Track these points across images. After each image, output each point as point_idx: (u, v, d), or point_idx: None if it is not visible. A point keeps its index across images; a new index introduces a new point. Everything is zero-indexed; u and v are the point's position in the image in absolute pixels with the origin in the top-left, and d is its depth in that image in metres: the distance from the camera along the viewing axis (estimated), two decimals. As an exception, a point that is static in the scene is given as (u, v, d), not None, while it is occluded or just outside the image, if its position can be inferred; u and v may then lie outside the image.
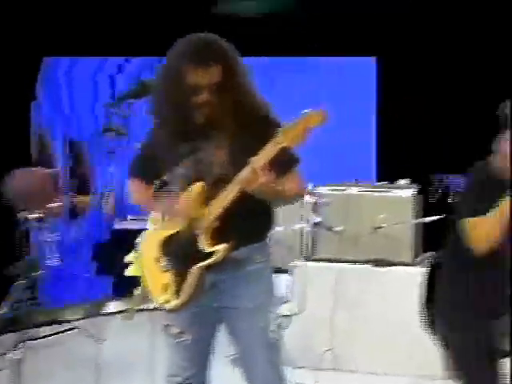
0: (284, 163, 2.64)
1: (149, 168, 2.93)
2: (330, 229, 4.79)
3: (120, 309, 6.03)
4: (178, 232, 2.75)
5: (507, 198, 2.69)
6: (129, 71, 8.85)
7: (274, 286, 2.93)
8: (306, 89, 8.10)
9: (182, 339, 2.84)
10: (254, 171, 2.47)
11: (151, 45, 7.66)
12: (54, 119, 8.30)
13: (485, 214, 2.69)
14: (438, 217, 4.65)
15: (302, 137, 2.46)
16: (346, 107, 7.94)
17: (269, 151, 2.48)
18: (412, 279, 4.20)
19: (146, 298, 2.89)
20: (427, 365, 4.22)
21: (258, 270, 2.82)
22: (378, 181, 6.22)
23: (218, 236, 2.67)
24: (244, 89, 2.80)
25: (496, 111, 6.67)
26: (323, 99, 8.26)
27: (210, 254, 2.65)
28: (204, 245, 2.67)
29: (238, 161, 2.56)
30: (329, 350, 4.57)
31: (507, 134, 2.93)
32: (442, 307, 3.00)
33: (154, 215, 2.89)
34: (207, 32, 2.81)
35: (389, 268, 4.71)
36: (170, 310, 2.77)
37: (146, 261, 2.85)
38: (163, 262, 2.77)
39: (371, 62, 7.67)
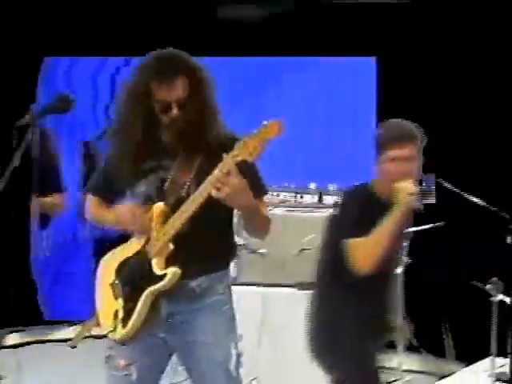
0: (257, 185, 2.61)
1: (109, 185, 2.80)
2: (254, 251, 4.60)
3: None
4: (135, 254, 2.63)
5: (386, 221, 2.80)
6: (129, 71, 9.12)
7: (236, 320, 2.79)
8: (306, 88, 7.99)
9: (127, 373, 2.65)
10: (218, 176, 2.39)
11: (151, 45, 8.04)
12: (53, 119, 8.44)
13: (365, 235, 2.78)
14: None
15: (260, 149, 2.39)
16: (346, 107, 7.85)
17: (225, 164, 2.41)
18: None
19: (98, 325, 2.74)
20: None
21: (218, 302, 2.71)
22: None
23: (173, 260, 2.55)
24: (212, 103, 2.73)
25: (498, 107, 6.59)
26: (324, 99, 8.26)
27: (160, 279, 2.52)
28: (156, 268, 2.54)
29: (202, 182, 2.49)
30: (254, 378, 4.37)
31: (385, 157, 2.97)
32: (323, 331, 3.07)
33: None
34: (207, 32, 2.88)
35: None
36: (116, 341, 2.62)
37: (102, 286, 2.73)
38: (117, 288, 2.65)
39: (371, 62, 7.61)
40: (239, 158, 2.39)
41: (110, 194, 2.81)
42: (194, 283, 2.60)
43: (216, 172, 2.40)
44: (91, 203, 2.90)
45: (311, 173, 7.20)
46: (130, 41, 7.75)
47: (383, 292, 3.11)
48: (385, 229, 2.82)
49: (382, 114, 7.34)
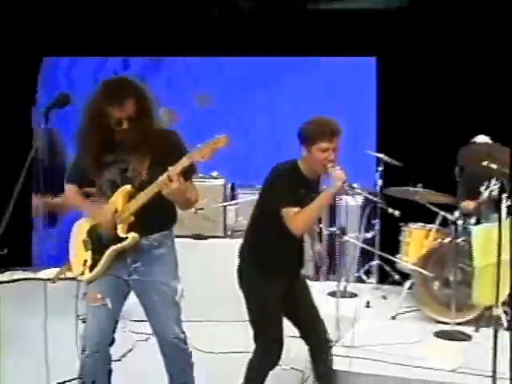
0: (187, 173, 3.35)
1: (81, 176, 3.60)
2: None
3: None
4: (103, 222, 3.46)
5: (322, 194, 3.56)
6: (129, 71, 8.59)
7: (177, 265, 3.62)
8: (307, 88, 7.83)
9: (102, 303, 3.45)
10: (170, 177, 3.22)
11: (151, 45, 7.61)
12: (53, 119, 8.41)
13: (294, 202, 3.48)
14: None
15: (210, 154, 3.20)
16: (346, 105, 7.95)
17: (183, 163, 3.24)
18: (224, 247, 5.80)
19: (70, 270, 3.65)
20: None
21: (167, 252, 3.58)
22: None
23: (132, 226, 3.42)
24: (153, 114, 3.45)
25: (496, 109, 6.61)
26: (325, 98, 8.23)
27: (124, 240, 3.41)
28: (120, 231, 3.41)
29: (155, 171, 3.33)
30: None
31: (318, 147, 3.58)
32: (247, 267, 3.79)
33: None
34: (206, 30, 3.12)
35: (207, 240, 6.04)
36: (84, 281, 3.50)
37: (76, 242, 3.60)
38: (88, 244, 3.53)
39: (371, 62, 7.58)
40: (194, 159, 3.25)
41: (82, 182, 3.64)
42: (151, 239, 3.49)
43: (164, 176, 3.23)
44: (69, 190, 3.70)
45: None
46: (129, 41, 7.64)
47: (299, 242, 3.79)
48: (319, 202, 3.54)
49: (382, 112, 7.32)
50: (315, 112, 7.30)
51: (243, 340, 5.24)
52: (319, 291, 6.02)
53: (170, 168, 3.24)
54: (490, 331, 4.87)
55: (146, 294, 3.57)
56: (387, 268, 6.66)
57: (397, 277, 6.52)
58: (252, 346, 4.04)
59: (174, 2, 7.51)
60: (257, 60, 7.91)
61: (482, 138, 5.87)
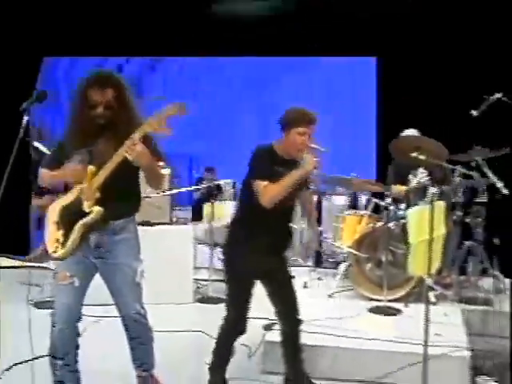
0: (154, 152, 3.68)
1: (55, 161, 3.80)
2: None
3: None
4: (72, 201, 3.68)
5: (291, 173, 3.80)
6: (129, 71, 8.83)
7: (139, 248, 3.86)
8: (308, 87, 8.08)
9: (71, 281, 3.69)
10: (134, 141, 3.49)
11: (151, 45, 7.72)
12: (53, 119, 8.19)
13: (270, 179, 3.78)
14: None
15: (163, 123, 3.54)
16: (346, 104, 7.88)
17: (144, 128, 3.53)
18: (169, 233, 6.38)
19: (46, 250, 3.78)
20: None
21: (130, 237, 3.82)
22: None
23: (97, 204, 3.62)
24: (129, 106, 3.71)
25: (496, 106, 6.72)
26: (325, 97, 8.09)
27: (87, 215, 3.60)
28: (86, 207, 3.62)
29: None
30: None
31: (296, 131, 3.90)
32: (230, 241, 4.09)
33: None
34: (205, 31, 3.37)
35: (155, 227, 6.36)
36: (58, 258, 3.68)
37: (50, 223, 3.76)
38: (59, 224, 3.69)
39: (372, 61, 7.73)
40: (152, 125, 3.53)
41: (55, 167, 3.79)
42: (114, 223, 3.71)
43: (127, 142, 3.50)
44: (43, 173, 3.86)
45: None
46: (129, 41, 7.72)
47: (282, 222, 4.07)
48: (287, 180, 3.80)
49: (382, 111, 7.46)
50: (315, 111, 7.46)
51: (188, 320, 5.65)
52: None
53: (131, 136, 3.52)
54: (417, 306, 5.43)
55: (110, 274, 3.80)
56: (323, 252, 7.13)
57: (331, 260, 6.99)
58: (195, 327, 4.74)
59: (173, 2, 7.58)
60: (257, 60, 8.01)
61: (411, 131, 6.35)
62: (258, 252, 3.94)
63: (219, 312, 4.21)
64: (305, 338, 4.60)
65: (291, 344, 4.22)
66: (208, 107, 7.36)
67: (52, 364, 3.77)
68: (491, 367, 4.54)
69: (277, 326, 4.76)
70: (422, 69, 7.00)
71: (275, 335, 4.68)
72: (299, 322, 4.18)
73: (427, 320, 3.59)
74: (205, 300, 6.50)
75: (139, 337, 3.98)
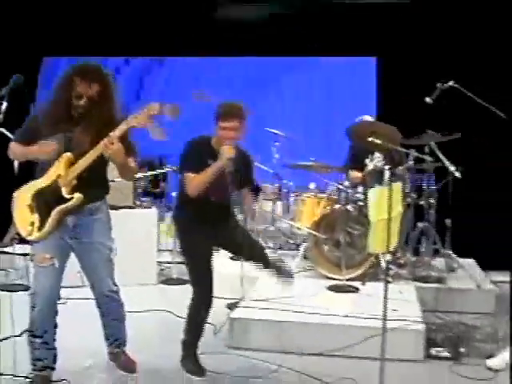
0: (129, 148, 3.84)
1: (30, 136, 3.87)
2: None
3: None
4: (48, 185, 3.80)
5: (212, 165, 4.04)
6: (129, 71, 8.84)
7: (111, 228, 4.07)
8: (308, 87, 8.05)
9: (51, 263, 3.82)
10: (111, 140, 3.66)
11: (151, 45, 7.66)
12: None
13: (199, 171, 4.04)
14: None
15: (145, 120, 3.71)
16: (346, 104, 7.83)
17: (122, 128, 3.70)
18: (133, 216, 6.49)
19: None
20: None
21: (104, 217, 4.02)
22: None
23: (75, 189, 3.79)
24: (110, 102, 3.87)
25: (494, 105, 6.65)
26: (326, 96, 8.10)
27: (69, 201, 3.77)
28: (65, 193, 3.76)
29: (97, 143, 3.71)
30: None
31: (219, 126, 4.13)
32: (178, 218, 4.44)
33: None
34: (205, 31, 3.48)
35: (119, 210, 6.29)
36: (33, 241, 3.84)
37: (19, 207, 3.91)
38: (34, 207, 3.83)
39: (372, 61, 7.72)
40: (131, 124, 3.70)
41: (28, 143, 3.86)
42: (90, 205, 3.89)
43: (105, 139, 3.66)
44: (15, 146, 3.93)
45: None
46: (130, 41, 7.66)
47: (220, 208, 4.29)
48: (208, 171, 4.05)
49: (382, 109, 7.41)
50: (315, 111, 7.53)
51: (153, 301, 5.82)
52: (222, 256, 6.67)
53: (110, 133, 3.68)
54: (374, 285, 5.68)
55: (86, 253, 3.98)
56: (283, 234, 7.35)
57: (291, 242, 7.21)
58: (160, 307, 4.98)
59: (173, 2, 7.55)
60: (258, 60, 8.05)
61: (367, 117, 6.60)
62: (201, 230, 4.22)
63: (182, 293, 4.49)
64: (267, 315, 4.84)
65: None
66: (208, 107, 7.45)
67: (30, 342, 3.91)
68: (444, 339, 4.80)
69: (241, 304, 4.98)
70: (421, 69, 7.06)
71: (239, 312, 4.89)
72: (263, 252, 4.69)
73: (386, 294, 3.81)
74: (168, 281, 6.62)
75: (112, 313, 4.17)
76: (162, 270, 6.82)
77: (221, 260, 6.00)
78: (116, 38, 7.61)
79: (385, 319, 3.81)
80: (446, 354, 4.65)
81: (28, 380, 3.96)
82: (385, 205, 3.60)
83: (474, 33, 6.91)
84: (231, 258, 6.52)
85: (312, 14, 7.44)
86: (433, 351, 4.66)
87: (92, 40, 7.52)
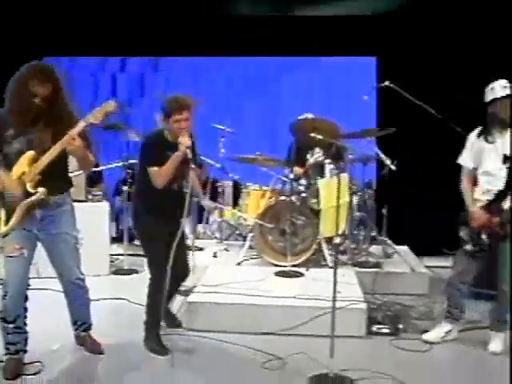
0: (87, 143, 4.14)
1: None
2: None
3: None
4: (12, 183, 4.01)
5: (173, 156, 4.39)
6: (129, 71, 8.86)
7: (75, 218, 4.34)
8: (308, 87, 8.10)
9: (21, 253, 4.07)
10: (72, 136, 3.93)
11: (151, 45, 7.78)
12: None
13: (162, 164, 4.38)
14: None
15: (101, 117, 4.01)
16: (346, 104, 7.94)
17: (81, 125, 3.97)
18: (86, 209, 6.36)
19: None
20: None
21: (68, 209, 4.27)
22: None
23: (39, 184, 4.02)
24: (64, 101, 4.13)
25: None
26: (326, 96, 8.15)
27: (33, 195, 4.00)
28: (30, 188, 4.00)
29: (56, 142, 3.99)
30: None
31: (172, 119, 4.46)
32: (137, 211, 4.74)
33: None
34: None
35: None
36: (1, 234, 4.05)
37: None
38: (0, 203, 4.05)
39: (372, 61, 7.88)
40: (89, 121, 3.97)
41: None
42: (56, 198, 4.13)
43: (67, 136, 3.94)
44: None
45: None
46: (130, 41, 7.78)
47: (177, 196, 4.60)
48: (171, 163, 4.39)
49: (382, 108, 7.65)
50: (315, 110, 7.27)
51: (106, 290, 6.02)
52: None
53: (72, 130, 3.95)
54: (317, 270, 6.09)
55: (53, 244, 4.22)
56: (229, 226, 7.67)
57: (238, 233, 7.54)
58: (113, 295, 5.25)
59: (173, 2, 7.64)
60: (258, 60, 8.12)
61: (308, 115, 6.98)
62: (161, 218, 4.55)
63: (134, 282, 5.11)
64: (222, 298, 5.18)
65: (175, 289, 4.91)
66: (208, 107, 7.58)
67: (3, 328, 4.17)
68: (384, 317, 5.23)
69: (196, 289, 5.32)
70: (421, 69, 7.22)
71: (196, 297, 5.22)
72: (188, 274, 4.99)
73: (335, 275, 4.21)
74: (119, 272, 6.86)
75: (79, 299, 4.47)
76: (111, 261, 7.03)
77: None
78: (116, 38, 7.78)
79: (334, 300, 4.24)
80: (386, 330, 5.07)
81: (2, 363, 4.19)
82: (334, 194, 3.98)
83: (474, 32, 7.13)
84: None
85: (312, 14, 7.67)
86: (374, 328, 5.08)
87: (92, 40, 7.68)
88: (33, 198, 4.02)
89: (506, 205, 4.61)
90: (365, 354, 4.72)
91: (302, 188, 6.57)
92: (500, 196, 4.62)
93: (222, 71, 8.43)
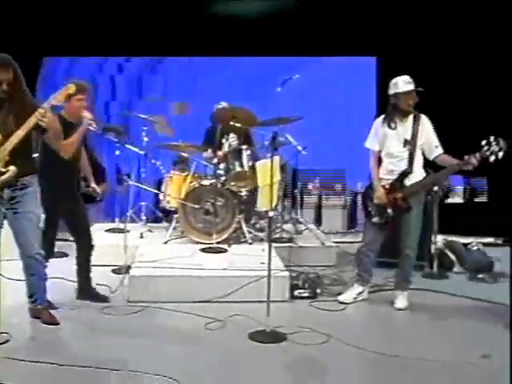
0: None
1: None
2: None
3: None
4: None
5: (79, 129, 5.21)
6: (129, 71, 8.93)
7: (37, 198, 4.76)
8: (308, 87, 8.23)
9: None
10: (44, 113, 4.42)
11: (151, 45, 7.92)
12: None
13: (65, 139, 5.00)
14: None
15: (63, 99, 4.67)
16: (346, 104, 8.21)
17: (47, 102, 4.50)
18: None
19: None
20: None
21: (33, 189, 4.70)
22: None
23: (9, 165, 4.44)
24: (23, 85, 4.61)
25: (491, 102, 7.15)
26: (326, 96, 8.37)
27: (2, 174, 4.41)
28: (1, 168, 4.41)
29: (19, 124, 4.44)
30: None
31: (74, 99, 5.20)
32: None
33: None
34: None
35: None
36: None
37: None
38: None
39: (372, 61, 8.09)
40: (52, 102, 4.52)
41: None
42: (23, 179, 4.57)
43: (37, 112, 4.39)
44: None
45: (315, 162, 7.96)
46: (130, 41, 7.89)
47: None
48: (76, 136, 5.18)
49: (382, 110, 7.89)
50: (316, 110, 7.90)
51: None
52: (100, 230, 7.43)
53: (38, 110, 4.43)
54: (237, 246, 6.72)
55: (18, 221, 4.66)
56: (154, 208, 8.15)
57: (160, 215, 8.06)
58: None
59: (173, 2, 7.80)
60: (258, 60, 8.30)
61: (224, 104, 7.58)
62: (58, 192, 5.21)
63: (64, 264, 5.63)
64: (160, 272, 5.74)
65: (86, 263, 5.60)
66: (208, 107, 7.68)
67: None
68: (303, 284, 5.94)
69: (134, 265, 5.84)
70: (421, 69, 7.15)
71: (136, 271, 5.75)
72: (92, 247, 5.62)
73: (270, 246, 4.88)
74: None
75: (38, 274, 4.89)
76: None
77: (98, 234, 6.91)
78: (116, 38, 7.92)
79: (270, 269, 4.92)
80: (306, 294, 5.79)
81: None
82: (268, 173, 4.65)
83: (473, 32, 7.41)
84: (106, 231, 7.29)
85: (312, 14, 7.80)
86: (296, 293, 5.79)
87: (92, 40, 7.81)
88: (5, 176, 4.44)
89: (408, 182, 5.38)
90: (290, 315, 5.39)
91: (221, 172, 7.11)
92: (403, 175, 5.39)
93: (221, 71, 8.67)
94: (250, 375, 4.23)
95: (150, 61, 8.88)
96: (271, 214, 4.96)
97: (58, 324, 4.98)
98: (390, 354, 4.50)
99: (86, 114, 5.22)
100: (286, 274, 5.76)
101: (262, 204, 4.61)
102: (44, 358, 4.29)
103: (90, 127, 5.25)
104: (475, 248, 7.07)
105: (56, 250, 7.02)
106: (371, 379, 4.33)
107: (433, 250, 6.79)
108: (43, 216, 5.00)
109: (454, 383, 4.16)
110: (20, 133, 4.43)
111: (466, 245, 7.18)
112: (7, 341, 4.58)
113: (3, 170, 4.45)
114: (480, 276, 6.63)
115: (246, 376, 4.22)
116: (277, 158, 4.82)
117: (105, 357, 4.38)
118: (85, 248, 5.56)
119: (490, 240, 7.93)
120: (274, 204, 4.77)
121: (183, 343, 4.75)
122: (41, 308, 5.01)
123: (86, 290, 5.59)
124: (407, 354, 4.50)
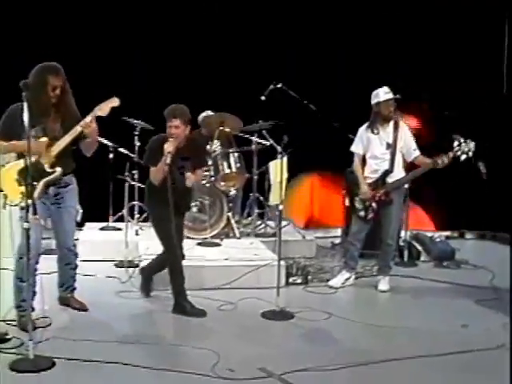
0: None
1: (10, 132, 4.85)
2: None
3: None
4: (31, 164, 4.47)
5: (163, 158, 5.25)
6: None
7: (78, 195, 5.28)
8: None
9: (38, 222, 4.68)
10: (89, 122, 4.85)
11: (151, 45, 8.09)
12: None
13: (156, 165, 5.27)
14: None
15: (107, 110, 4.96)
16: None
17: (95, 113, 4.89)
18: None
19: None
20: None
21: (74, 187, 5.21)
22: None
23: (55, 165, 4.91)
24: (69, 94, 5.04)
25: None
26: None
27: (50, 174, 4.88)
28: (48, 168, 4.87)
29: (65, 129, 4.90)
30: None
31: (167, 123, 5.44)
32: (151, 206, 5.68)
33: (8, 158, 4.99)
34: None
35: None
36: (22, 208, 4.46)
37: (8, 181, 4.78)
38: (21, 180, 4.64)
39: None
40: (98, 114, 4.89)
41: (10, 138, 4.86)
42: (65, 178, 5.04)
43: (82, 122, 4.83)
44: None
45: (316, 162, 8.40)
46: (129, 41, 8.08)
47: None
48: (159, 164, 5.28)
49: None
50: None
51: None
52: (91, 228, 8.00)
53: (87, 116, 4.87)
54: (229, 240, 7.40)
55: (60, 215, 5.13)
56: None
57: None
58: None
59: (173, 2, 8.05)
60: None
61: (209, 112, 8.18)
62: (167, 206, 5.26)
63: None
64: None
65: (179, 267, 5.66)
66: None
67: (19, 287, 4.96)
68: (296, 272, 6.66)
69: (143, 258, 6.40)
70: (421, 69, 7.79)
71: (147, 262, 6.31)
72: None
73: (280, 235, 5.61)
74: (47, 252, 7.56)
75: (71, 263, 5.44)
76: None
77: (93, 232, 7.73)
78: (116, 38, 8.13)
79: (279, 258, 5.71)
80: (299, 280, 6.54)
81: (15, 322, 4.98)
82: (278, 172, 5.39)
83: (472, 32, 7.93)
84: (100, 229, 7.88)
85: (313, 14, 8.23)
86: (290, 279, 6.54)
87: (91, 40, 7.99)
88: (52, 176, 4.90)
89: (389, 179, 6.20)
90: (286, 298, 6.01)
91: (212, 173, 7.73)
92: (385, 173, 6.20)
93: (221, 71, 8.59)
94: (269, 345, 4.97)
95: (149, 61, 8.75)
96: (280, 207, 5.64)
97: (87, 310, 5.54)
98: (383, 325, 5.35)
99: (166, 146, 5.28)
100: (283, 263, 6.42)
101: (273, 198, 5.35)
102: (87, 336, 4.89)
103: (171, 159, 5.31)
104: (438, 239, 7.91)
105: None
106: (369, 344, 5.07)
107: (402, 243, 7.57)
108: (81, 211, 5.62)
109: (436, 346, 4.93)
110: (67, 138, 4.90)
111: (430, 237, 8.01)
112: (50, 324, 5.09)
113: (50, 170, 4.92)
114: (445, 264, 7.44)
115: (267, 346, 4.97)
116: (285, 159, 5.55)
117: (143, 333, 5.10)
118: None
119: (448, 233, 8.86)
120: (282, 198, 5.49)
121: (203, 322, 5.44)
122: (70, 296, 5.56)
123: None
124: (396, 325, 5.40)
